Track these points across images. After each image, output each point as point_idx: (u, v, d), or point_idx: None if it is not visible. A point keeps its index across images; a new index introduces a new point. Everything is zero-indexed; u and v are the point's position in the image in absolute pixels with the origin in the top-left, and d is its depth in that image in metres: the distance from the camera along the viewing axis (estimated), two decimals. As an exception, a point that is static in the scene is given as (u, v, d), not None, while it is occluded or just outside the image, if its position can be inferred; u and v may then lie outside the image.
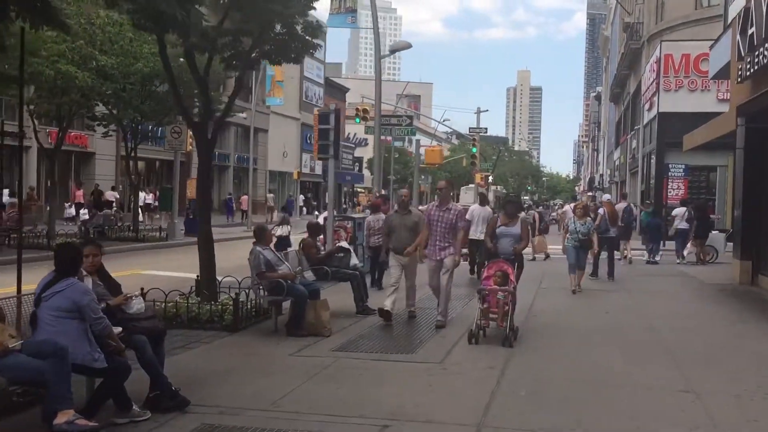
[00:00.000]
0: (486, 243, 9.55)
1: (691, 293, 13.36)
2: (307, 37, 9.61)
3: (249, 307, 8.98)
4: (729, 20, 15.10)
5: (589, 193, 76.27)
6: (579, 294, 13.11)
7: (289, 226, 16.53)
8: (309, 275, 10.05)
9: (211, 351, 7.86)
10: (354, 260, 10.30)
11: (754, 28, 11.79)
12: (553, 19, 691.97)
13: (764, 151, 13.94)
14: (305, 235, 10.50)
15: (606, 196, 19.64)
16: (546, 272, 15.94)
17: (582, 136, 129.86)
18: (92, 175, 34.50)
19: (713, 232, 20.35)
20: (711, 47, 17.10)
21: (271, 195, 42.99)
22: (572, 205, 17.86)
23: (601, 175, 71.25)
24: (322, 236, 10.43)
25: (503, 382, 6.73)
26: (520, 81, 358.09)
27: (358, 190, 71.05)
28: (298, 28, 9.43)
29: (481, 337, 8.36)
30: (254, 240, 8.63)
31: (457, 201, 39.33)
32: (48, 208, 23.34)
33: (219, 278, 9.61)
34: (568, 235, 13.22)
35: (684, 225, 19.62)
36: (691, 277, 16.11)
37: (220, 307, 8.83)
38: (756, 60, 11.65)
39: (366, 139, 49.56)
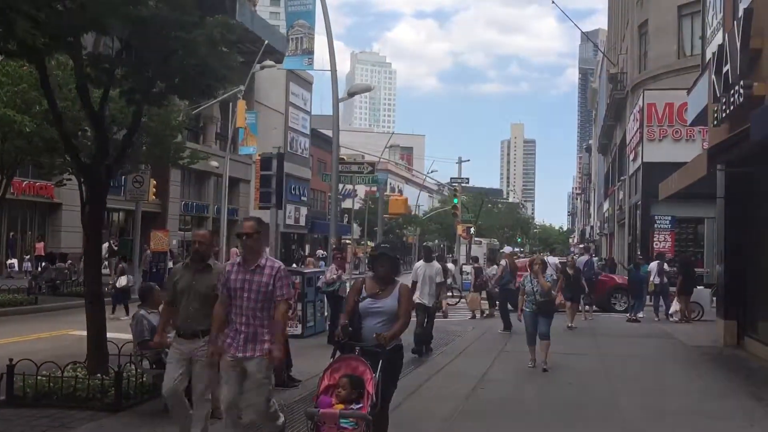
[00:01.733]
0: (340, 323, 5.63)
1: (670, 359, 11.96)
2: (222, 70, 8.44)
3: (138, 381, 7.61)
4: (706, 62, 14.14)
5: (581, 245, 75.15)
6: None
7: (130, 276, 16.22)
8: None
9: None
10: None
11: (728, 66, 10.76)
12: (546, 74, 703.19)
13: (746, 199, 12.79)
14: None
15: (507, 248, 18.99)
16: (517, 331, 14.59)
17: (575, 188, 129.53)
18: (59, 226, 33.20)
19: (698, 287, 19.08)
20: (688, 92, 16.13)
21: (234, 250, 41.64)
22: (527, 259, 16.51)
23: (592, 227, 70.26)
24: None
25: None
26: (513, 134, 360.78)
27: (346, 242, 69.80)
28: (210, 58, 8.27)
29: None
30: (139, 303, 7.31)
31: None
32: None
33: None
34: (524, 297, 10.72)
35: (657, 280, 18.54)
36: (672, 338, 14.76)
37: (102, 381, 7.46)
38: (731, 99, 10.58)
39: (356, 190, 48.70)
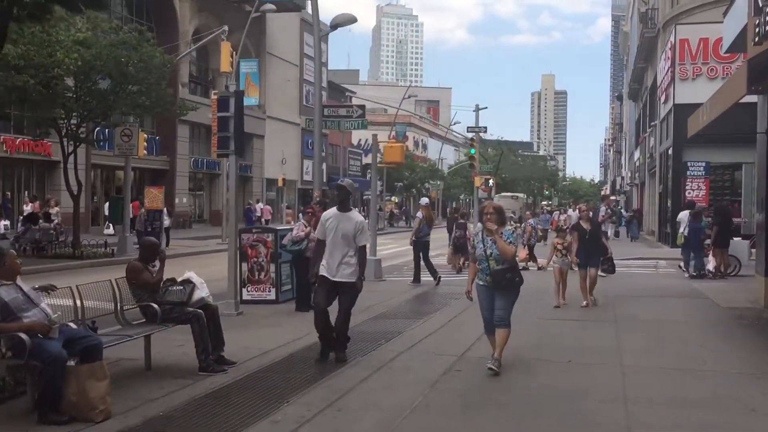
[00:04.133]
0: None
1: (699, 325, 10.00)
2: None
3: None
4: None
5: (613, 197, 72.69)
6: (550, 322, 10.03)
7: None
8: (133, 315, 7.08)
9: None
10: (201, 293, 7.25)
11: (775, -36, 8.58)
12: (579, 24, 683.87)
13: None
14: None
15: (424, 200, 17.02)
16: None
17: (608, 140, 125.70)
18: (58, 186, 31.93)
19: (735, 239, 16.99)
20: (725, 13, 13.86)
21: (259, 204, 40.27)
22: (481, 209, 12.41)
23: (623, 178, 67.49)
24: (158, 262, 7.34)
25: None
26: (544, 85, 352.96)
27: (389, 200, 67.96)
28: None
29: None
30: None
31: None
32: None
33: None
34: (476, 264, 7.34)
35: (687, 231, 16.53)
36: (704, 298, 12.80)
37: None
38: (778, 6, 8.42)
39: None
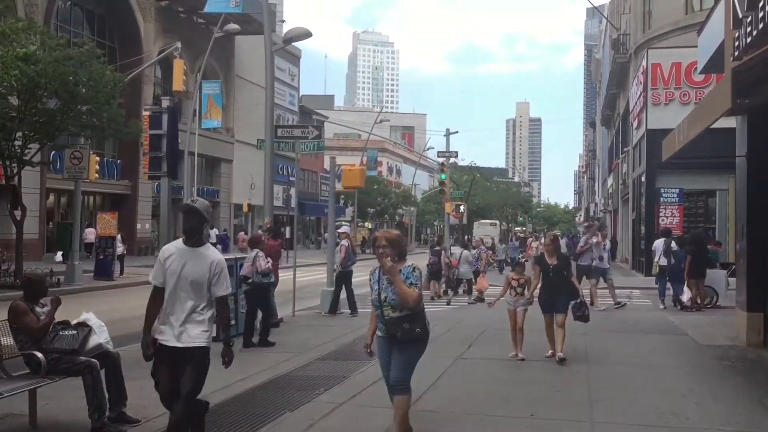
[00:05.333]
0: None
1: (679, 369, 9.00)
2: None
3: None
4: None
5: (586, 224, 72.29)
6: (510, 362, 9.08)
7: None
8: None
9: None
10: (98, 338, 6.15)
11: (755, -29, 7.80)
12: (554, 53, 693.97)
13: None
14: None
15: (344, 228, 16.21)
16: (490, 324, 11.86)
17: (581, 167, 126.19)
18: (5, 211, 30.43)
19: (712, 269, 16.19)
20: (699, 32, 13.18)
21: (214, 230, 39.11)
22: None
23: (596, 205, 67.27)
24: (48, 302, 6.21)
25: None
26: (519, 113, 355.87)
27: (343, 223, 67.08)
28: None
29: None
30: None
31: (471, 237, 38.03)
32: None
33: None
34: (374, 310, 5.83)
35: (664, 261, 15.73)
36: (681, 334, 11.89)
37: None
38: (761, 15, 7.63)
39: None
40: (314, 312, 15.05)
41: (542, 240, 27.74)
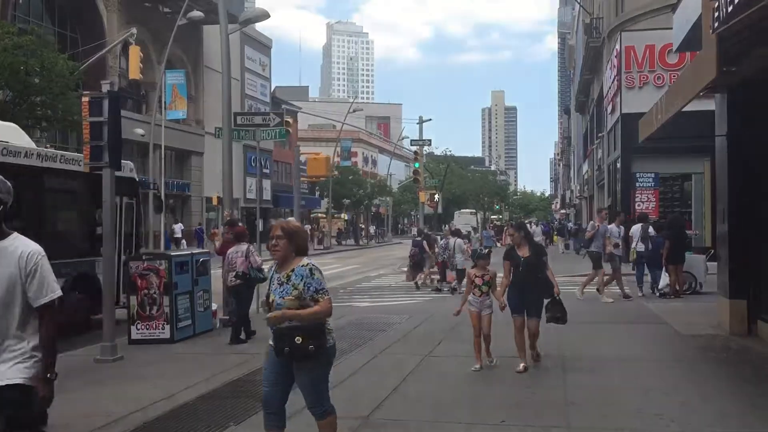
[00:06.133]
0: None
1: (661, 363, 8.47)
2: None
3: None
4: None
5: (563, 211, 72.32)
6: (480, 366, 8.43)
7: None
8: None
9: None
10: None
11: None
12: (527, 41, 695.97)
13: (756, 136, 9.40)
14: None
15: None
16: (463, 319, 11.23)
17: (557, 154, 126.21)
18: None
19: (690, 254, 15.77)
20: (673, 9, 12.66)
21: (179, 225, 38.18)
22: None
23: (572, 191, 67.13)
24: None
25: None
26: (494, 102, 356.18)
27: (320, 215, 66.28)
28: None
29: None
30: None
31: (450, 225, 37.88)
32: None
33: None
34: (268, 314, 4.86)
35: (641, 247, 15.29)
36: (661, 323, 11.41)
37: None
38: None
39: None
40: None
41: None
